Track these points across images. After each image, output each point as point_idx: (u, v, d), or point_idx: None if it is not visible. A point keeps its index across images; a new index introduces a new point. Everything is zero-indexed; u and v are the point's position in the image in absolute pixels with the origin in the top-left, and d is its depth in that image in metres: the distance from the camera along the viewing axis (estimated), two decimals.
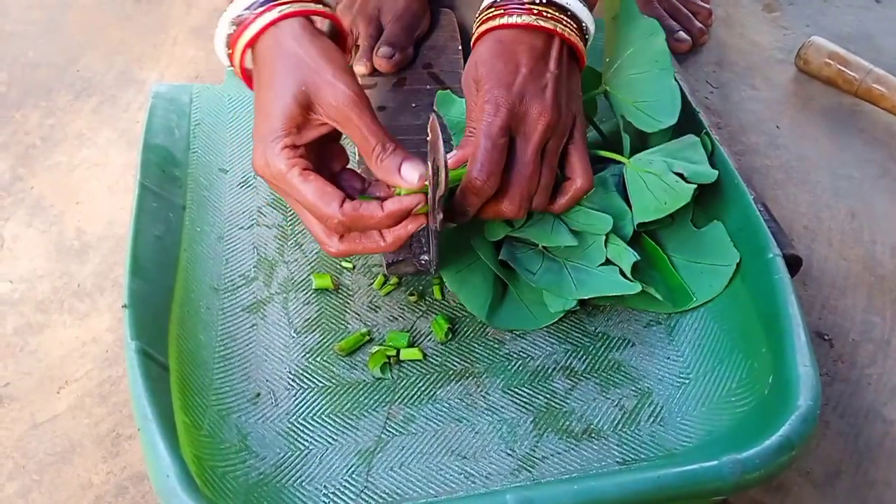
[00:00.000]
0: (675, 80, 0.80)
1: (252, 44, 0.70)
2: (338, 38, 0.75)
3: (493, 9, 0.72)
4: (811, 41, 1.07)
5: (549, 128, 0.69)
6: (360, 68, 0.99)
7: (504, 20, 0.70)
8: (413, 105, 0.96)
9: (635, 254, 0.75)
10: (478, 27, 0.73)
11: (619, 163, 0.80)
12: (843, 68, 1.04)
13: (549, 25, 0.70)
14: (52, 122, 1.03)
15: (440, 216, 0.70)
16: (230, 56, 0.72)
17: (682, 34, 1.11)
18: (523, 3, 0.70)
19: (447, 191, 0.67)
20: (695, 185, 0.75)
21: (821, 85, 1.07)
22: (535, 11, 0.70)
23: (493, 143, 0.68)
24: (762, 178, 0.96)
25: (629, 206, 0.78)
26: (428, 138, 0.68)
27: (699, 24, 1.13)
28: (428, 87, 0.99)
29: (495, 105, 0.68)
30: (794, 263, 0.79)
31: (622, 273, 0.74)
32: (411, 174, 0.66)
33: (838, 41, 1.07)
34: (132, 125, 1.02)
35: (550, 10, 0.71)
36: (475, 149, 0.68)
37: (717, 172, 0.77)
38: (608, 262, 0.75)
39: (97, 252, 0.89)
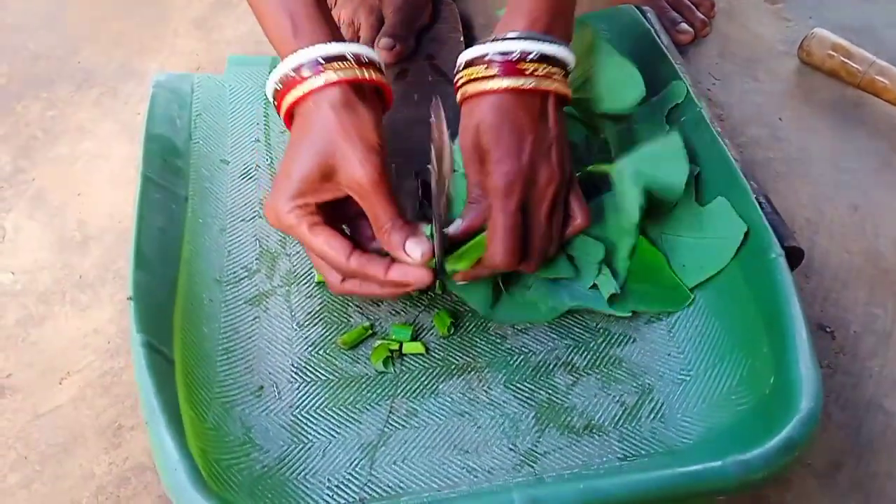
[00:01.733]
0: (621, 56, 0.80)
1: (296, 104, 0.70)
2: (383, 97, 0.75)
3: (482, 66, 0.70)
4: (814, 33, 1.07)
5: (557, 189, 0.71)
6: None
7: (500, 84, 0.69)
8: (415, 97, 0.96)
9: (616, 286, 0.76)
10: (466, 84, 0.71)
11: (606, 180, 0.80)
12: (846, 60, 1.04)
13: (545, 86, 0.70)
14: (53, 113, 1.03)
15: (444, 202, 0.70)
16: (277, 106, 0.73)
17: (685, 26, 1.10)
18: (513, 61, 0.69)
19: (451, 186, 0.67)
20: (683, 180, 0.76)
21: (823, 77, 1.07)
22: (529, 71, 0.69)
23: (513, 223, 0.69)
24: (764, 170, 0.96)
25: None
26: (431, 120, 0.68)
27: (701, 16, 1.12)
28: (430, 78, 0.99)
29: (509, 182, 0.68)
30: (795, 256, 0.79)
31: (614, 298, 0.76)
32: (415, 251, 0.68)
33: (841, 33, 1.07)
34: (133, 117, 1.02)
35: (543, 65, 0.70)
36: (494, 229, 0.69)
37: (681, 185, 0.76)
38: (595, 286, 0.77)
39: (99, 244, 0.89)
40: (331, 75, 0.68)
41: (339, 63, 0.68)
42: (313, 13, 0.71)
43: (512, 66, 0.69)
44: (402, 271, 0.68)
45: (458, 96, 0.73)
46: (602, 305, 0.76)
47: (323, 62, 0.68)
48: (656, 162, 0.77)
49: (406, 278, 0.68)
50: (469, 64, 0.71)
